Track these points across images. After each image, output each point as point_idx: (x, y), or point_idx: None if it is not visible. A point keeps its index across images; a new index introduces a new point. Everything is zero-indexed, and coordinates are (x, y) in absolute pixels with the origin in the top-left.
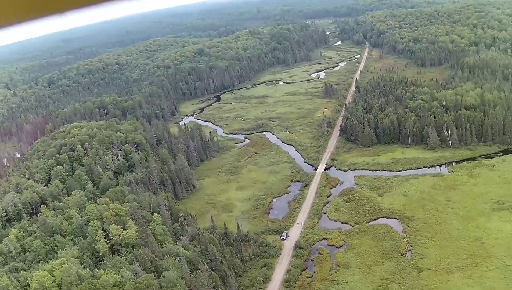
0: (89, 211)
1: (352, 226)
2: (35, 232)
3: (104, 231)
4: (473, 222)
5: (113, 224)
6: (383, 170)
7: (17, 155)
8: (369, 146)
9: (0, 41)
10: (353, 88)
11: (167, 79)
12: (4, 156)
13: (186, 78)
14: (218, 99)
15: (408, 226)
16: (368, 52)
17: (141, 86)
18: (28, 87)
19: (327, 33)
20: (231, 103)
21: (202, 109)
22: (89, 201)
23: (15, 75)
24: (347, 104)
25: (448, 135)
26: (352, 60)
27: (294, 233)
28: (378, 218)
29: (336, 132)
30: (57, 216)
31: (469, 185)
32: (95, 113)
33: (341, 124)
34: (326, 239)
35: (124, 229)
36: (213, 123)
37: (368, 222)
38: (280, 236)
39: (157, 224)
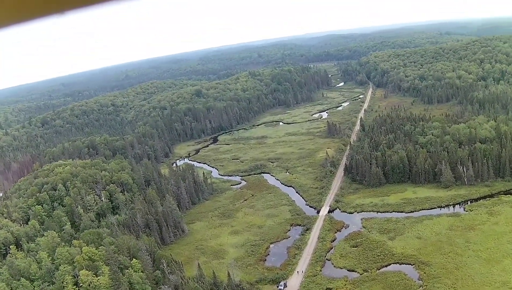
0: (59, 254)
1: (360, 274)
2: (2, 274)
3: (75, 277)
4: (498, 265)
5: (84, 270)
6: (393, 211)
7: (0, 194)
8: (377, 186)
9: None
10: (357, 127)
11: (162, 119)
12: None
13: (182, 119)
14: (215, 140)
15: (425, 273)
16: (372, 92)
17: (135, 126)
18: (20, 127)
19: (330, 75)
20: (228, 144)
21: (197, 151)
22: (63, 244)
23: (10, 116)
24: (351, 143)
25: (463, 171)
26: (355, 100)
27: (294, 282)
28: (389, 264)
29: (340, 172)
30: (26, 258)
31: (489, 225)
32: (84, 153)
33: (345, 164)
34: (331, 289)
35: (96, 276)
36: (208, 165)
37: (379, 269)
38: (278, 286)
39: (135, 271)
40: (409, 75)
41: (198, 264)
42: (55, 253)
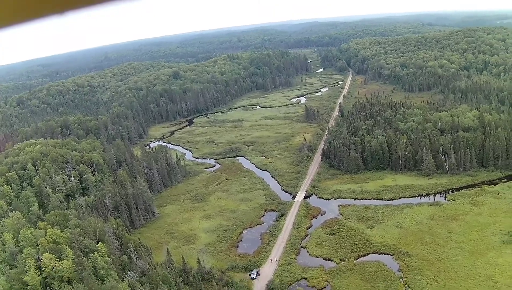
0: (23, 236)
1: (337, 264)
2: None
3: (38, 260)
4: (482, 258)
5: (48, 253)
6: (372, 198)
7: None
8: (355, 172)
9: None
10: (336, 113)
11: (138, 100)
12: None
13: (157, 100)
14: (191, 122)
15: (405, 263)
16: (351, 79)
17: (110, 107)
18: None
19: (309, 61)
20: (203, 127)
21: (172, 133)
22: (29, 225)
23: None
24: (329, 128)
25: (445, 159)
26: (335, 86)
27: (267, 271)
28: (368, 254)
29: (317, 158)
30: None
31: (473, 215)
32: (57, 133)
33: (323, 149)
34: (306, 278)
35: (60, 260)
36: (182, 147)
37: (356, 259)
38: (250, 274)
39: (101, 255)
40: (390, 63)
41: (167, 249)
42: (19, 235)
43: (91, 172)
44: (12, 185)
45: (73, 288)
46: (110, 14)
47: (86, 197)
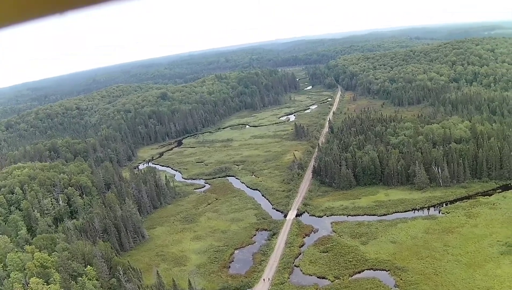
0: (10, 260)
1: (332, 281)
2: None
3: (25, 285)
4: (480, 270)
5: (35, 277)
6: (365, 214)
7: None
8: (347, 188)
9: None
10: (326, 129)
11: (126, 122)
12: None
13: (146, 122)
14: (180, 143)
15: (401, 279)
16: (340, 95)
17: (99, 129)
18: None
19: (298, 79)
20: (193, 147)
21: (161, 154)
22: (16, 250)
23: None
24: (320, 145)
25: (438, 172)
26: (324, 103)
27: None
28: (363, 271)
29: (308, 175)
30: None
31: (468, 227)
32: (45, 156)
33: (314, 166)
34: None
35: (48, 284)
36: (171, 168)
37: (351, 276)
38: None
39: (89, 279)
40: (379, 78)
41: (157, 271)
42: (6, 259)
43: (80, 195)
44: (0, 209)
45: None
46: (98, 35)
47: (75, 220)
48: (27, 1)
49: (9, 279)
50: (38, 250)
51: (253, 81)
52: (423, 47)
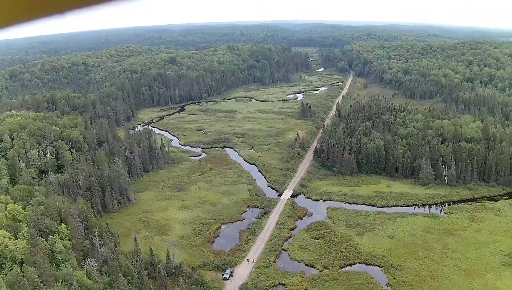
0: None
1: (320, 271)
2: None
3: None
4: (480, 279)
5: (3, 230)
6: (364, 204)
7: None
8: (348, 174)
9: None
10: (333, 112)
11: (130, 82)
12: None
13: (150, 84)
14: (182, 109)
15: (394, 278)
16: (352, 80)
17: (102, 87)
18: None
19: (310, 60)
20: (195, 114)
21: (161, 118)
22: None
23: None
24: (325, 127)
25: (445, 169)
26: (334, 86)
27: (242, 272)
28: (354, 263)
29: (309, 156)
30: None
31: (471, 231)
32: (43, 107)
33: (316, 147)
34: (283, 284)
35: (16, 239)
36: (169, 133)
37: (342, 268)
38: (223, 274)
39: (61, 238)
40: (393, 68)
41: (135, 238)
42: None
43: (69, 150)
44: None
45: (22, 271)
46: None
47: (59, 174)
48: (27, 1)
49: None
50: (13, 201)
51: (265, 56)
52: (441, 43)
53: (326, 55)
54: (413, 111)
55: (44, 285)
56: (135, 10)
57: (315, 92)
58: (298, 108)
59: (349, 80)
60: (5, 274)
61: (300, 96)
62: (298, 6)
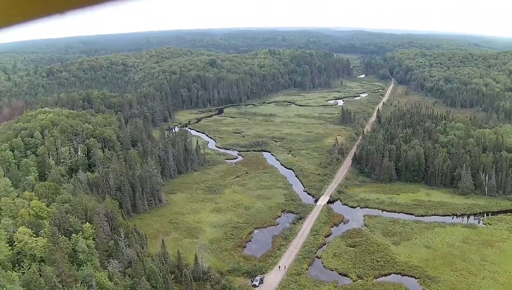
0: (3, 204)
1: (354, 281)
2: None
3: (12, 233)
4: None
5: (24, 227)
6: (401, 212)
7: None
8: (387, 181)
9: (18, 37)
10: (373, 119)
11: (169, 83)
12: None
13: (189, 86)
14: (220, 112)
15: None
16: (393, 88)
17: (139, 87)
18: (25, 74)
19: (352, 66)
20: (233, 117)
21: (199, 120)
22: (17, 194)
23: (20, 64)
24: (364, 133)
25: (485, 179)
26: (375, 92)
27: (272, 279)
28: (390, 274)
29: (348, 162)
30: None
31: (510, 243)
32: (78, 105)
33: (355, 153)
34: None
35: (37, 236)
36: (206, 135)
37: (376, 278)
38: (252, 281)
39: (86, 238)
40: (434, 76)
41: (163, 240)
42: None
43: (101, 148)
44: (15, 151)
45: (40, 269)
46: (153, 1)
47: (89, 173)
48: (27, 1)
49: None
50: (37, 198)
51: (306, 61)
52: (482, 52)
53: (368, 62)
54: (454, 119)
55: (63, 286)
56: (177, 13)
57: (356, 98)
58: (338, 113)
59: (390, 87)
60: (22, 273)
61: (340, 102)
62: (339, 14)
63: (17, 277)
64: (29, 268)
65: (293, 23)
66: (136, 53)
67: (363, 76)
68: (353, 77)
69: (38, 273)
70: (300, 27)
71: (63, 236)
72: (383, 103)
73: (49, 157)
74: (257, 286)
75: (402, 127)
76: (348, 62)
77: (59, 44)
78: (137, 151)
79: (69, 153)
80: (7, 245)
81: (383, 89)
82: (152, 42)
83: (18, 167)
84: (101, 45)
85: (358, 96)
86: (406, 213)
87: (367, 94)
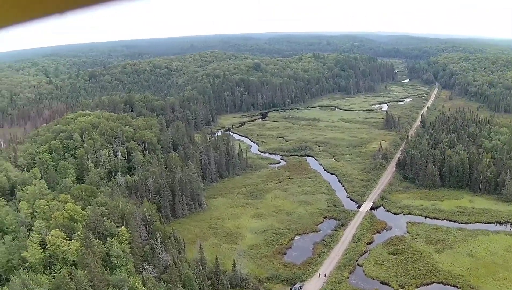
0: (37, 207)
1: None
2: None
3: (43, 235)
4: None
5: (57, 229)
6: (445, 219)
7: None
8: (430, 187)
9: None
10: (417, 123)
11: (212, 87)
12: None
13: (233, 90)
14: (264, 116)
15: None
16: (437, 92)
17: (182, 90)
18: (67, 77)
19: (396, 71)
20: (276, 121)
21: (242, 124)
22: (52, 197)
23: (62, 67)
24: (409, 138)
25: None
26: (419, 97)
27: (312, 287)
28: (431, 283)
29: (391, 167)
30: (3, 207)
31: None
32: (120, 108)
33: (399, 158)
34: None
35: (70, 239)
36: (249, 139)
37: (418, 287)
38: (291, 289)
39: (121, 242)
40: (478, 80)
41: (200, 245)
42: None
43: (141, 151)
44: (54, 154)
45: (70, 273)
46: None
47: (128, 176)
48: (27, 1)
49: (34, 227)
50: (72, 201)
51: (351, 65)
52: None
53: (412, 66)
54: (498, 124)
55: None
56: (221, 18)
57: (400, 102)
58: (382, 118)
59: (434, 92)
60: (53, 276)
61: (385, 106)
62: (382, 18)
63: (47, 281)
64: (60, 272)
65: (338, 27)
66: (180, 56)
67: (407, 80)
68: (398, 81)
69: (69, 277)
70: (344, 32)
71: (97, 240)
72: (427, 108)
73: (88, 160)
74: None
75: (447, 132)
76: (392, 66)
77: (102, 48)
78: (178, 155)
79: (108, 156)
80: (39, 248)
81: (427, 94)
82: (197, 47)
83: (56, 170)
84: (145, 49)
85: (403, 100)
86: (449, 220)
87: (411, 99)
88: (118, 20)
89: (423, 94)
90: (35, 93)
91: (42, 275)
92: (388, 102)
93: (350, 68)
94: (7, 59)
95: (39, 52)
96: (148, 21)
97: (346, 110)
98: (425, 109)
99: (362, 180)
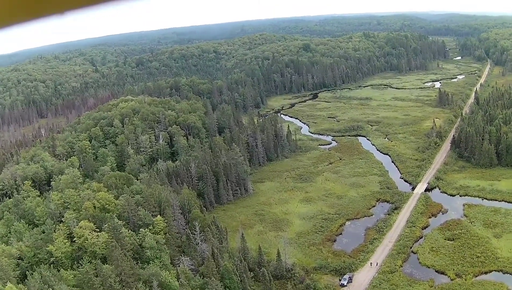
0: (68, 197)
1: (452, 279)
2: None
3: (72, 227)
4: None
5: (87, 221)
6: (503, 200)
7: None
8: (487, 166)
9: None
10: (471, 100)
11: (261, 69)
12: (43, 127)
13: (282, 71)
14: (315, 96)
15: None
16: (489, 68)
17: (230, 73)
18: (114, 65)
19: (447, 48)
20: (327, 102)
21: (292, 105)
22: (86, 186)
23: (110, 56)
24: (463, 115)
25: None
26: (471, 74)
27: (363, 277)
28: (490, 271)
29: (446, 146)
30: (35, 198)
31: None
32: (165, 93)
33: (453, 136)
34: None
35: (100, 231)
36: (300, 120)
37: (476, 276)
38: (340, 280)
39: (156, 232)
40: None
41: (242, 234)
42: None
43: (185, 136)
44: (93, 141)
45: (95, 268)
46: None
47: (170, 162)
48: (27, 1)
49: (64, 217)
50: (105, 189)
51: (402, 43)
52: None
53: (463, 44)
54: None
55: (123, 286)
56: (271, 2)
57: (453, 80)
58: (435, 96)
59: (487, 69)
60: (76, 271)
61: (437, 84)
62: None
63: (72, 276)
64: (86, 265)
65: (388, 8)
66: (229, 40)
67: (459, 58)
68: (449, 59)
69: (93, 272)
70: (395, 12)
71: (129, 230)
72: (481, 84)
73: (129, 146)
74: (345, 286)
75: (502, 108)
76: (443, 43)
77: (152, 35)
78: (223, 138)
79: (150, 141)
80: (66, 240)
81: (479, 71)
82: (247, 31)
83: (96, 158)
84: (196, 35)
85: (455, 78)
86: (508, 202)
87: (463, 76)
88: (169, 8)
89: (475, 71)
90: (80, 82)
91: (67, 270)
92: (440, 80)
93: (401, 46)
94: (55, 50)
95: (89, 43)
96: (199, 7)
97: (398, 88)
98: (478, 85)
99: (416, 160)
